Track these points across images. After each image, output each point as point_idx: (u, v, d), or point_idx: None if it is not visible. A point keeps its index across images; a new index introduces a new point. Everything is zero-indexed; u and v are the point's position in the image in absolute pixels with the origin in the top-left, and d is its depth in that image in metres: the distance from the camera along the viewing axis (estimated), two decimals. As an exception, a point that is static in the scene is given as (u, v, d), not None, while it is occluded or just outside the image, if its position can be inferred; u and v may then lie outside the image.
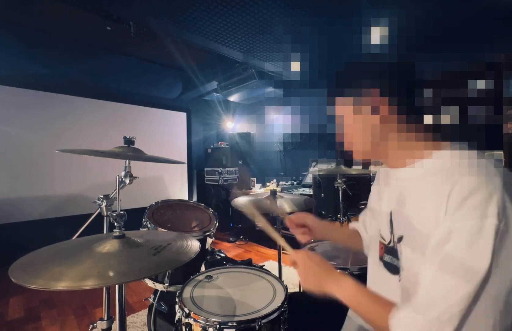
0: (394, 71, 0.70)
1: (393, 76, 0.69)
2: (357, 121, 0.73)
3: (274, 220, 1.74)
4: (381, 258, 0.78)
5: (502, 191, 0.52)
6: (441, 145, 0.67)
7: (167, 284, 1.38)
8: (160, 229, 1.45)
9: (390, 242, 0.76)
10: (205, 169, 5.20)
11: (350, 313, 0.95)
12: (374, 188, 0.92)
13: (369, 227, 0.97)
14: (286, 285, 1.10)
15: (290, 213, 1.12)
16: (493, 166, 0.55)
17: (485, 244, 0.50)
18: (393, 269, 0.74)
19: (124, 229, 0.87)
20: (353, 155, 0.78)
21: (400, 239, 0.69)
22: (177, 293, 1.03)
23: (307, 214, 1.04)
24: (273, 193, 1.72)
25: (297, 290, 1.57)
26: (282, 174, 4.74)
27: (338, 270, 0.79)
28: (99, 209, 1.04)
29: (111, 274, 0.68)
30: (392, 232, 0.74)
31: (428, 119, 0.71)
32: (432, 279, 0.55)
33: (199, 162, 5.48)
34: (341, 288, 0.69)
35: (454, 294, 0.51)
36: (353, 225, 1.08)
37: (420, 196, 0.64)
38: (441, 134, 0.69)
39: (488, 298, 0.51)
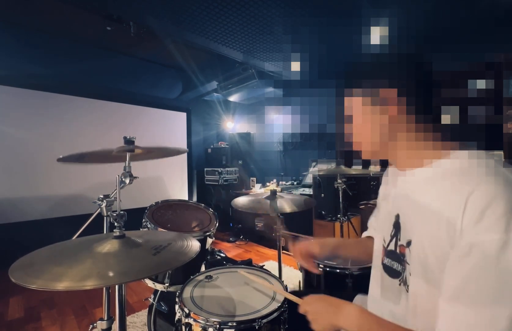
0: (403, 70, 0.69)
1: (402, 75, 0.68)
2: (366, 120, 0.72)
3: (274, 219, 1.74)
4: (382, 261, 0.78)
5: None
6: (450, 146, 0.65)
7: (167, 284, 1.38)
8: (160, 229, 1.45)
9: (389, 244, 0.75)
10: (205, 169, 5.20)
11: None
12: (381, 189, 0.91)
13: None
14: (286, 285, 1.09)
15: (294, 235, 1.10)
16: (510, 173, 0.53)
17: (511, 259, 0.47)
18: (393, 272, 0.74)
19: (124, 229, 0.87)
20: (362, 154, 0.77)
21: (409, 243, 0.67)
22: (177, 293, 1.03)
23: (313, 243, 1.00)
24: (273, 193, 1.72)
25: (297, 290, 1.57)
26: (282, 174, 4.74)
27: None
28: (99, 209, 1.04)
29: (111, 274, 0.68)
30: (396, 235, 0.73)
31: (437, 119, 0.69)
32: (458, 296, 0.52)
33: (199, 162, 5.48)
34: (350, 317, 0.66)
35: (488, 326, 0.48)
36: (365, 232, 1.07)
37: (430, 199, 0.62)
38: (451, 135, 0.68)
39: None
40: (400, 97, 0.67)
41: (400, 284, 0.71)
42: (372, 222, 1.03)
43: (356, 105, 0.74)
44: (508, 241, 0.48)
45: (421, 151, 0.68)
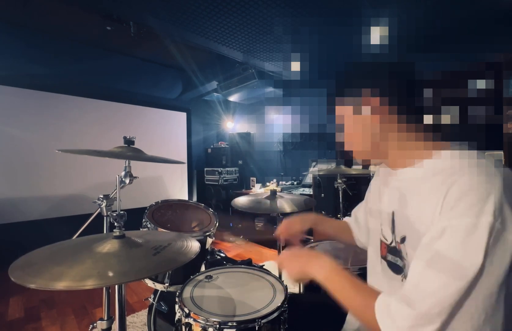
0: (392, 71, 0.70)
1: (391, 77, 0.69)
2: (357, 122, 0.74)
3: (274, 219, 1.74)
4: (384, 258, 0.79)
5: (501, 190, 0.51)
6: (441, 146, 0.67)
7: (167, 284, 1.38)
8: (160, 229, 1.44)
9: (392, 242, 0.76)
10: (205, 169, 5.21)
11: (349, 315, 0.95)
12: (373, 185, 0.92)
13: (363, 220, 0.99)
14: (286, 285, 1.10)
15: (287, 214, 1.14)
16: (493, 166, 0.55)
17: (478, 241, 0.50)
18: (397, 269, 0.74)
19: (124, 229, 0.87)
20: (354, 155, 0.79)
21: (403, 239, 0.69)
22: (177, 293, 1.03)
23: (294, 220, 1.06)
24: (273, 193, 1.72)
25: (297, 290, 1.57)
26: (282, 174, 4.74)
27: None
28: (99, 209, 1.04)
29: (111, 274, 0.68)
30: (394, 232, 0.74)
31: (428, 119, 0.71)
32: (422, 273, 0.55)
33: (199, 162, 5.48)
34: (321, 267, 0.70)
35: (444, 290, 0.51)
36: (345, 219, 1.12)
37: (420, 196, 0.64)
38: (441, 134, 0.69)
39: (480, 295, 0.51)
40: (382, 98, 0.69)
41: (402, 280, 0.72)
42: (356, 212, 1.06)
43: (345, 110, 0.76)
44: (477, 224, 0.50)
45: (413, 151, 0.69)
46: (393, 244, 0.75)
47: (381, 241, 0.80)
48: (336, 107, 0.79)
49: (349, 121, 0.75)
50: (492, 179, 0.53)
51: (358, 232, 1.04)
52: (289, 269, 0.76)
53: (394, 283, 0.75)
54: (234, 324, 0.88)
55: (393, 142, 0.71)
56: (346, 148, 0.79)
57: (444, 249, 0.52)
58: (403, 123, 0.69)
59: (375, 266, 0.84)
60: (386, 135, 0.71)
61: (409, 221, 0.66)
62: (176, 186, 5.08)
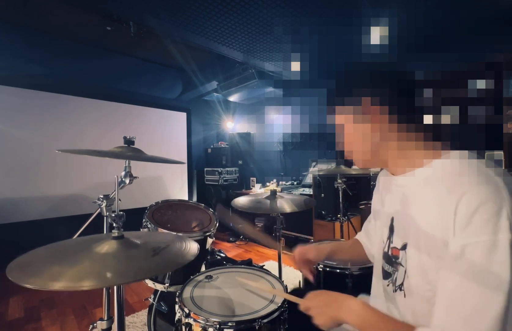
0: (392, 81, 0.70)
1: (391, 86, 0.69)
2: (356, 130, 0.73)
3: (274, 220, 1.74)
4: (381, 264, 0.79)
5: (510, 201, 0.51)
6: (442, 149, 0.66)
7: (167, 284, 1.38)
8: (160, 229, 1.45)
9: (385, 246, 0.76)
10: (205, 169, 5.20)
11: None
12: (375, 193, 0.92)
13: (374, 234, 0.97)
14: (286, 285, 1.10)
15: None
16: (500, 176, 0.55)
17: (502, 258, 0.49)
18: (386, 275, 0.75)
19: (123, 229, 0.87)
20: (354, 162, 0.79)
21: (404, 246, 0.68)
22: (177, 293, 1.03)
23: (308, 248, 1.02)
24: (273, 193, 1.72)
25: (297, 287, 1.57)
26: (282, 174, 4.74)
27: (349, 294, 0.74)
28: (99, 209, 1.04)
29: (109, 275, 0.67)
30: (389, 238, 0.74)
31: (428, 121, 0.70)
32: (453, 297, 0.53)
33: (199, 162, 5.48)
34: (351, 311, 0.66)
35: (480, 313, 0.50)
36: (355, 236, 1.09)
37: (423, 202, 0.63)
38: (441, 139, 0.69)
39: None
40: (382, 106, 0.69)
41: (388, 285, 0.73)
42: (366, 226, 1.04)
43: (345, 118, 0.76)
44: (496, 242, 0.50)
45: (413, 156, 0.69)
46: (385, 250, 0.75)
47: (382, 248, 0.80)
48: (336, 116, 0.79)
49: (349, 130, 0.75)
50: (500, 190, 0.52)
51: (370, 246, 1.01)
52: (320, 318, 0.72)
53: (385, 289, 0.75)
54: (234, 324, 0.88)
55: (393, 149, 0.71)
56: (346, 156, 0.79)
57: (470, 268, 0.51)
58: (403, 130, 0.69)
59: (376, 272, 0.84)
60: (385, 143, 0.71)
61: (412, 226, 0.65)
62: (176, 186, 5.08)
